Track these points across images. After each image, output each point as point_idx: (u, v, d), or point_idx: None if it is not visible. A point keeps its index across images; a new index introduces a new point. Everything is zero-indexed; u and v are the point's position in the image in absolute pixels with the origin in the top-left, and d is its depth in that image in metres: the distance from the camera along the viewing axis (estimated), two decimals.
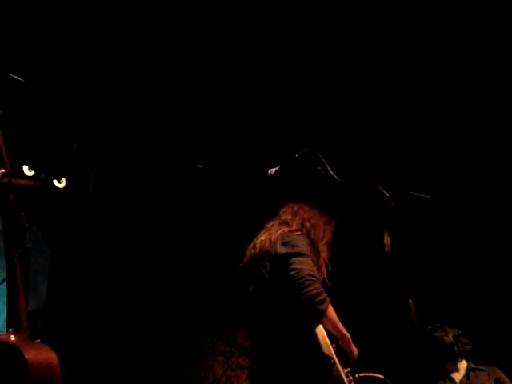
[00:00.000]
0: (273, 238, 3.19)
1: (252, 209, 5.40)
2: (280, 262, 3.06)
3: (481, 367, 4.56)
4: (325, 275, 3.24)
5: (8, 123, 4.70)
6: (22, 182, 2.61)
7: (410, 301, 2.47)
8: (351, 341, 3.04)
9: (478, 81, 5.21)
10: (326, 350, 2.91)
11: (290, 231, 3.20)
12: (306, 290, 2.91)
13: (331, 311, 2.99)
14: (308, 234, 3.23)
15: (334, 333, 3.00)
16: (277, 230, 3.23)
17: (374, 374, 3.28)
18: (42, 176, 5.08)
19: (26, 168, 4.97)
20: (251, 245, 3.32)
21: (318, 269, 3.15)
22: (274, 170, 3.05)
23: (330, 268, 3.31)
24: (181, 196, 5.90)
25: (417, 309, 2.46)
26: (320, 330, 2.94)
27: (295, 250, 3.06)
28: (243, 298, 3.34)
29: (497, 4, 4.63)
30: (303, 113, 5.57)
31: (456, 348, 4.53)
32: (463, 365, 4.57)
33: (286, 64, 5.24)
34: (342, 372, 2.94)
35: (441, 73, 5.24)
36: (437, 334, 4.61)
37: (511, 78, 5.12)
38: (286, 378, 2.97)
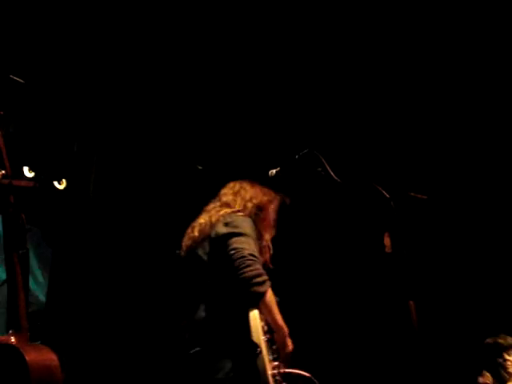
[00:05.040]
0: (213, 219, 3.03)
1: None
2: (220, 243, 2.91)
3: None
4: (267, 257, 3.11)
5: (8, 124, 4.71)
6: (23, 183, 2.60)
7: (411, 302, 2.46)
8: (287, 335, 2.87)
9: (478, 81, 5.22)
10: (255, 338, 2.72)
11: (232, 212, 3.06)
12: (245, 269, 2.77)
13: (270, 296, 2.82)
14: (250, 215, 3.07)
15: (270, 321, 2.83)
16: (217, 212, 3.07)
17: (301, 372, 3.06)
18: (43, 177, 5.07)
19: (26, 169, 4.96)
20: (190, 228, 3.15)
21: (260, 251, 3.00)
22: (274, 171, 3.04)
23: (271, 250, 3.17)
24: (181, 197, 5.90)
25: (417, 310, 2.46)
26: (254, 316, 2.76)
27: (237, 229, 2.91)
28: (180, 283, 3.17)
29: (497, 4, 4.63)
30: (303, 114, 5.57)
31: None
32: None
33: (286, 65, 5.24)
34: (268, 364, 2.73)
35: (440, 73, 5.24)
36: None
37: (511, 78, 5.12)
38: (210, 363, 2.80)
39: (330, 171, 2.78)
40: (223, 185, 3.34)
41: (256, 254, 2.86)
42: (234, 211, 3.06)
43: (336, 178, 2.77)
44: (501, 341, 4.52)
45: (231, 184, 3.29)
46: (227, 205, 3.14)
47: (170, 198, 5.87)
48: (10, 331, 2.32)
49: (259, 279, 2.78)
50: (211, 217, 3.07)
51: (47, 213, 5.34)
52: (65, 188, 5.23)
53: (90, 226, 5.63)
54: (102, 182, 5.67)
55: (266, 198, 3.22)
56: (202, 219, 3.12)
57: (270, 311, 2.81)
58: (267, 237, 3.16)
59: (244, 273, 2.77)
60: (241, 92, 5.44)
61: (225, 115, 5.60)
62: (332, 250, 6.14)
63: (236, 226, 2.93)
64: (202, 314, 2.92)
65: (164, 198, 5.85)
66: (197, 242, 3.06)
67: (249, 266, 2.78)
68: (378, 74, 5.28)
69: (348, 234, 6.07)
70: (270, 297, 2.82)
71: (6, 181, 2.45)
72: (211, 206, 3.20)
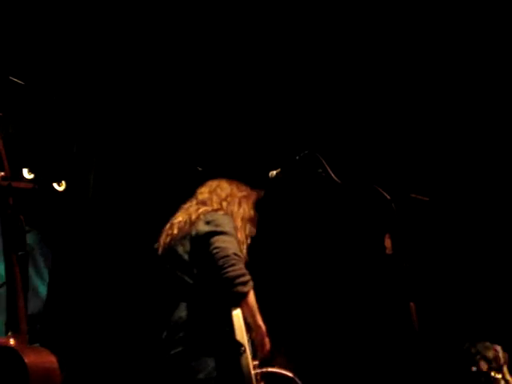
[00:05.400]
0: (193, 217, 3.01)
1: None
2: (202, 241, 2.90)
3: None
4: (244, 254, 3.05)
5: (8, 126, 4.70)
6: (22, 184, 2.60)
7: (411, 304, 2.45)
8: (265, 334, 2.87)
9: (478, 82, 5.21)
10: (239, 337, 2.73)
11: (213, 210, 3.03)
12: (229, 269, 2.77)
13: (252, 296, 2.82)
14: (228, 213, 3.07)
15: (250, 321, 2.82)
16: (196, 210, 3.06)
17: (283, 372, 3.09)
18: (42, 179, 5.06)
19: (25, 171, 4.95)
20: (168, 225, 3.13)
21: (239, 247, 2.97)
22: (274, 172, 3.03)
23: (249, 242, 3.12)
24: (181, 199, 5.88)
25: (418, 312, 2.45)
26: (237, 315, 2.77)
27: (219, 228, 2.90)
28: (157, 281, 3.14)
29: (497, 4, 4.63)
30: (304, 115, 5.57)
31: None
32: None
33: (286, 66, 5.24)
34: (251, 363, 2.75)
35: (441, 75, 5.24)
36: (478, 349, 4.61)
37: (511, 79, 5.12)
38: (192, 363, 2.79)
39: (331, 172, 2.77)
40: None
41: (239, 253, 2.86)
42: (214, 209, 3.05)
43: (337, 179, 2.76)
44: (463, 356, 4.53)
45: (209, 182, 3.29)
46: (203, 203, 3.13)
47: (169, 200, 5.85)
48: (9, 333, 2.32)
49: (243, 279, 2.79)
50: (190, 215, 3.05)
51: (46, 215, 5.33)
52: (64, 190, 5.22)
53: (89, 228, 5.62)
54: (101, 184, 5.66)
55: (241, 194, 3.21)
56: (181, 217, 3.10)
57: (251, 311, 2.82)
58: (243, 232, 3.11)
59: (227, 272, 2.77)
60: (241, 93, 5.43)
61: (225, 117, 5.59)
62: (332, 252, 6.13)
63: (218, 225, 2.92)
64: (181, 313, 2.89)
65: (163, 199, 5.83)
66: (176, 240, 3.03)
67: (233, 265, 2.78)
68: (379, 75, 5.28)
69: (349, 235, 6.06)
70: (252, 297, 2.82)
71: (5, 182, 2.45)
72: (188, 204, 3.20)
